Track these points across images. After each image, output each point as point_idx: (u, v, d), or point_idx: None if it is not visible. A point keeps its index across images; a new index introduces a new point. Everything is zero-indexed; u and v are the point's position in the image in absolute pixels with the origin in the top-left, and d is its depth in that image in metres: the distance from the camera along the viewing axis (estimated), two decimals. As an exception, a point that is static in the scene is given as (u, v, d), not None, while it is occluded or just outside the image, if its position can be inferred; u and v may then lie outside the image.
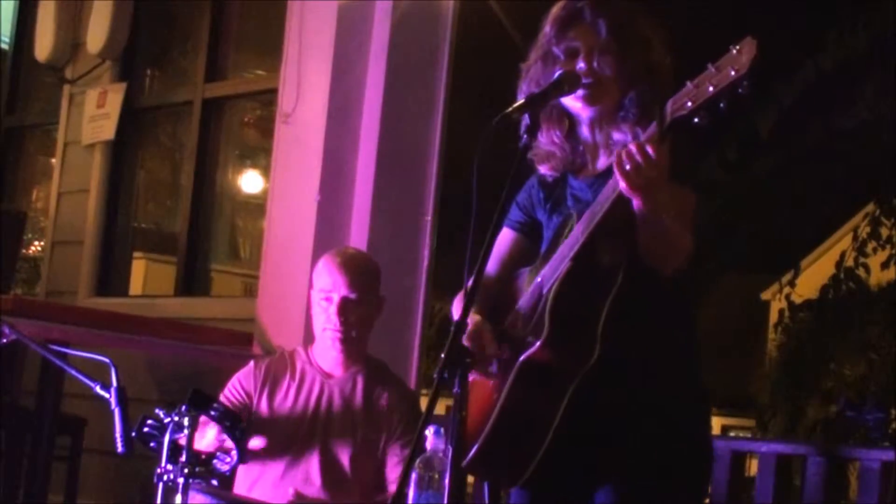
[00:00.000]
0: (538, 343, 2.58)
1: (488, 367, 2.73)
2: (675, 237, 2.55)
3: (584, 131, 2.80)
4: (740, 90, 2.32)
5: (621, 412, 2.65)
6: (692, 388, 2.75)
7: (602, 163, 2.79)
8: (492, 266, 2.87)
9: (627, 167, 2.43)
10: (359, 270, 3.84)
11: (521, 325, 2.73)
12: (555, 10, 2.79)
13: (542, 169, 2.85)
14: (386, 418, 3.80)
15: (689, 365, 2.74)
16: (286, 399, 3.83)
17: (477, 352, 2.66)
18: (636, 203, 2.47)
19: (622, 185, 2.45)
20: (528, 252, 2.86)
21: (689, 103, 2.39)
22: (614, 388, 2.63)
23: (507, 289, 2.85)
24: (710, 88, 2.35)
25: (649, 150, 2.42)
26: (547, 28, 2.78)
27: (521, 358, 2.62)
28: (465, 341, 2.61)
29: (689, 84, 2.40)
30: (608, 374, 2.59)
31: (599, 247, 2.61)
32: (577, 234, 2.64)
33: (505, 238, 2.92)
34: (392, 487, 3.69)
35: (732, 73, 2.32)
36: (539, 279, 2.71)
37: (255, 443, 3.66)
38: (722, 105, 2.36)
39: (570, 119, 2.81)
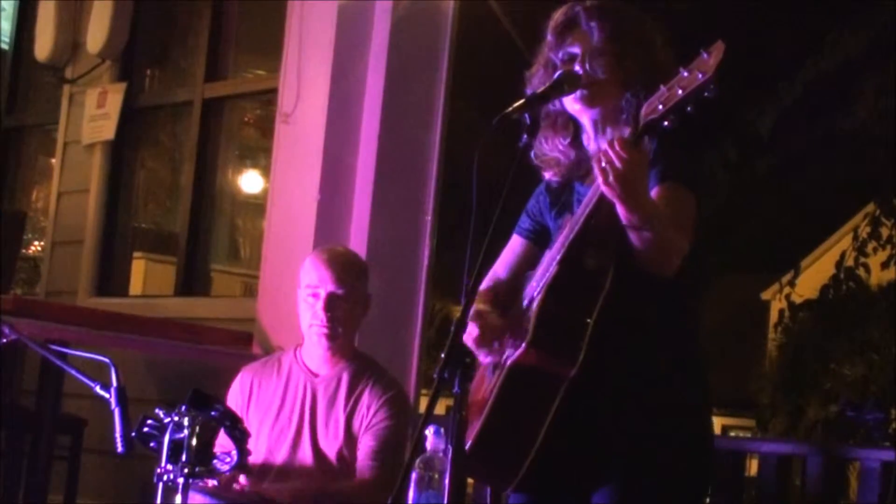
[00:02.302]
0: (523, 346, 2.60)
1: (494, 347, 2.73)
2: (666, 241, 2.55)
3: (588, 137, 2.81)
4: (707, 94, 2.38)
5: (618, 415, 2.65)
6: (692, 389, 2.74)
7: None
8: (502, 273, 2.91)
9: (603, 164, 2.47)
10: (345, 266, 3.85)
11: (514, 329, 2.74)
12: (554, 17, 2.81)
13: (547, 175, 2.88)
14: (367, 410, 3.79)
15: (689, 365, 2.74)
16: (273, 400, 3.85)
17: (483, 329, 2.69)
18: (617, 202, 2.50)
19: (600, 181, 2.50)
20: (538, 259, 2.87)
21: (661, 106, 2.45)
22: (610, 392, 2.63)
23: (516, 294, 2.85)
24: (680, 92, 2.41)
25: (619, 147, 2.46)
26: (548, 36, 2.81)
27: (508, 361, 2.64)
28: (471, 321, 2.66)
29: (662, 87, 2.45)
30: (603, 379, 2.60)
31: (586, 251, 2.63)
32: (564, 238, 2.66)
33: (515, 246, 2.94)
34: (359, 474, 3.69)
35: (700, 76, 2.37)
36: (533, 282, 2.73)
37: (243, 481, 3.67)
38: (689, 109, 2.42)
39: (575, 126, 2.82)
